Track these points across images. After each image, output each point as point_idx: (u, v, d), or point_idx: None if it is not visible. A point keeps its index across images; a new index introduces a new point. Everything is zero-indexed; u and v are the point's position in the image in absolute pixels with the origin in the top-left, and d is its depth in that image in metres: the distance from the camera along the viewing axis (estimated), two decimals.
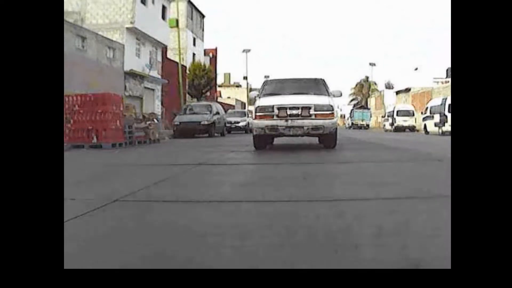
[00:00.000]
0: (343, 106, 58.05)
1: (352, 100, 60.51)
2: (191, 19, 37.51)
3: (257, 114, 7.80)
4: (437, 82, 40.72)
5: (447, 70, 38.69)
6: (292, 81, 8.91)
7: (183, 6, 33.31)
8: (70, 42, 18.40)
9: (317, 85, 8.61)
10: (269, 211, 2.67)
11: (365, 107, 49.30)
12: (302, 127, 7.58)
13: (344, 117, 55.02)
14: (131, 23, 24.02)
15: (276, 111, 7.62)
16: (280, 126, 7.59)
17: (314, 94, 8.20)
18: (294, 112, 7.58)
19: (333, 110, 7.70)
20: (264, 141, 8.29)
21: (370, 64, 45.65)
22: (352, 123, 43.12)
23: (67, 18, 20.67)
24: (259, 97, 8.47)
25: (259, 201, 3.05)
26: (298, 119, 7.57)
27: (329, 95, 8.27)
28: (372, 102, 54.58)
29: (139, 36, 25.61)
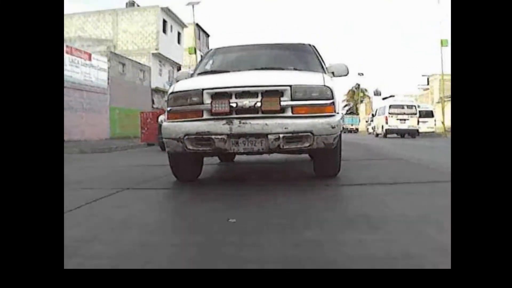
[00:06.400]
0: None
1: (345, 106, 65.43)
2: (199, 39, 42.59)
3: (170, 109, 3.86)
4: (420, 89, 46.26)
5: (427, 78, 44.03)
6: (256, 49, 5.25)
7: (191, 29, 38.42)
8: (115, 68, 23.65)
9: (301, 55, 4.91)
10: None
11: (354, 112, 54.85)
12: (266, 135, 3.57)
13: None
14: (156, 49, 29.38)
15: (207, 100, 3.65)
16: (217, 134, 3.60)
17: (294, 69, 4.44)
18: (247, 102, 3.60)
19: (332, 97, 3.68)
20: (189, 165, 4.26)
21: (359, 74, 50.75)
22: (343, 127, 47.76)
23: (101, 45, 25.81)
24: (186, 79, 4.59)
25: None
26: (256, 117, 3.61)
27: (324, 72, 4.45)
28: (362, 107, 59.55)
29: (161, 59, 30.99)
